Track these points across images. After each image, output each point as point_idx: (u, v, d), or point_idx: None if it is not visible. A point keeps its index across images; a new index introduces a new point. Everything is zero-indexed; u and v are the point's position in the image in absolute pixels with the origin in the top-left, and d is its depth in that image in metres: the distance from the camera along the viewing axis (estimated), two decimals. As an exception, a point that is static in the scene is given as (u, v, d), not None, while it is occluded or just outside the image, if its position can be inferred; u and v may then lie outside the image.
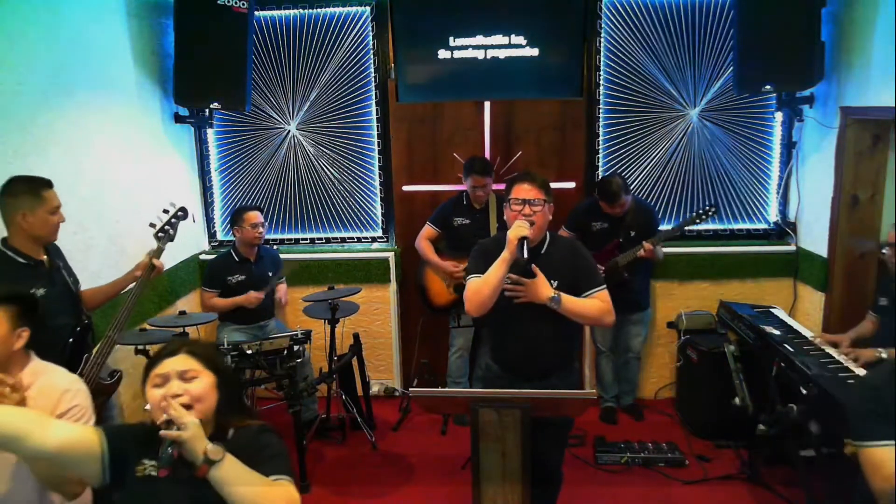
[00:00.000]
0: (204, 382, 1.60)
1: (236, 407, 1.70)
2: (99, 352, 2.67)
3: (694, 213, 3.79)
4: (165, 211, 3.11)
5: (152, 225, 3.07)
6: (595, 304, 2.46)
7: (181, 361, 1.60)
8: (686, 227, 3.83)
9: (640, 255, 3.72)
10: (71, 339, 2.61)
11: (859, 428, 1.80)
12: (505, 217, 2.55)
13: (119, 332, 2.74)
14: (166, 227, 3.07)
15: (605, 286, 2.50)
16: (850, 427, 1.85)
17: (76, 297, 2.74)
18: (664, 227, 4.09)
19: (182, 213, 3.15)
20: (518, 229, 2.34)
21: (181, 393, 1.55)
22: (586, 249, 2.61)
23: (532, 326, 2.48)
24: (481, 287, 2.38)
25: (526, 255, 2.31)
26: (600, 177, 4.25)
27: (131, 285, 2.93)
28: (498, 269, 2.35)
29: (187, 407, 1.55)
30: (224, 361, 1.71)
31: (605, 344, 4.09)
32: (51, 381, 1.99)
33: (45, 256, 2.61)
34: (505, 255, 2.34)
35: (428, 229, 4.07)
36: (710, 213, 3.74)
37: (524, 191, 2.45)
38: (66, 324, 2.63)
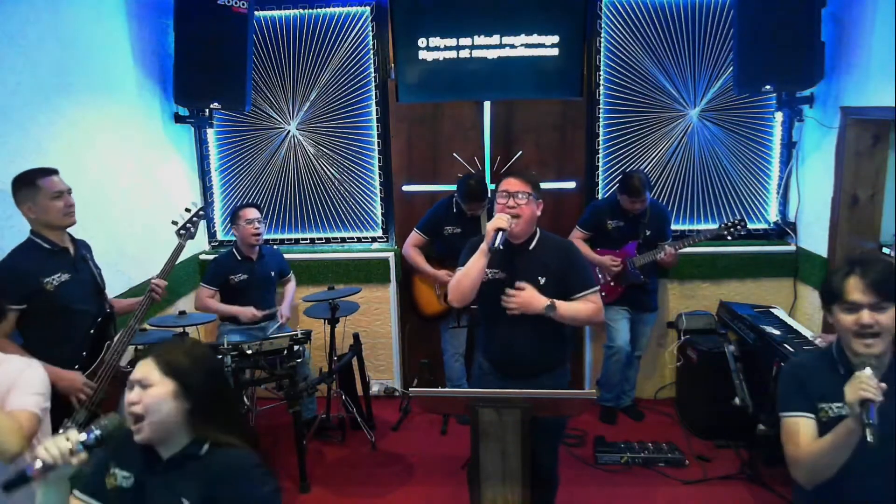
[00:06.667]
0: (158, 392, 1.56)
1: (217, 420, 1.63)
2: (120, 340, 2.76)
3: (723, 225, 3.77)
4: (187, 210, 3.17)
5: (174, 223, 3.12)
6: (588, 306, 2.50)
7: (143, 369, 1.60)
8: (712, 238, 3.80)
9: (660, 259, 3.73)
10: (92, 331, 2.70)
11: (781, 398, 1.96)
12: (495, 213, 2.54)
13: (139, 323, 2.82)
14: (188, 224, 3.13)
15: (597, 287, 2.55)
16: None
17: (100, 288, 2.82)
18: (677, 226, 4.12)
19: (202, 213, 3.23)
20: (496, 221, 2.38)
21: (136, 401, 1.55)
22: (580, 252, 2.62)
23: (521, 326, 2.47)
24: (461, 278, 2.44)
25: (498, 246, 2.34)
26: (600, 176, 4.27)
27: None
28: (477, 261, 2.40)
29: (138, 418, 1.55)
30: (196, 368, 1.63)
31: (621, 340, 3.90)
32: (8, 368, 2.02)
33: (69, 245, 2.71)
34: (483, 246, 2.39)
35: (416, 236, 3.96)
36: (738, 228, 3.72)
37: (510, 184, 2.48)
38: (87, 310, 2.72)
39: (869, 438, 1.57)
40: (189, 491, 1.57)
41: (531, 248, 2.53)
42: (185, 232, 3.11)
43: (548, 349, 2.56)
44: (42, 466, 1.42)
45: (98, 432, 1.51)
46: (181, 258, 4.01)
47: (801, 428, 1.88)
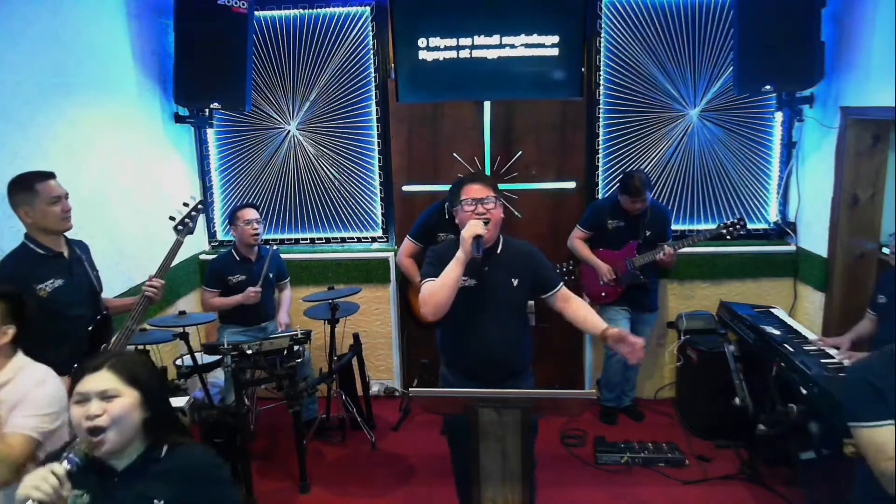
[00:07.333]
0: (125, 401, 1.55)
1: (167, 423, 1.66)
2: (117, 342, 2.74)
3: (722, 224, 3.76)
4: (185, 204, 3.13)
5: (172, 218, 3.08)
6: (579, 299, 2.59)
7: (102, 379, 1.56)
8: (711, 238, 3.80)
9: (659, 259, 3.73)
10: (90, 328, 2.69)
11: (857, 409, 1.78)
12: (457, 220, 2.53)
13: (137, 324, 2.80)
14: (186, 220, 3.09)
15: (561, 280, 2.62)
16: (846, 409, 1.84)
17: (96, 290, 2.81)
18: (677, 226, 4.11)
19: (201, 207, 3.19)
20: (472, 228, 2.34)
21: (100, 413, 1.52)
22: (538, 249, 2.62)
23: (488, 331, 2.47)
24: (437, 289, 2.38)
25: (480, 254, 2.33)
26: (600, 176, 4.27)
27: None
28: (454, 270, 2.36)
29: (101, 430, 1.51)
30: (151, 376, 1.65)
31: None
32: (26, 377, 2.03)
33: (65, 248, 2.69)
34: (460, 255, 2.35)
35: (409, 245, 3.83)
36: (737, 227, 3.71)
37: (475, 190, 2.46)
38: (83, 314, 2.70)
39: None
40: (159, 492, 1.58)
41: (499, 251, 2.53)
42: (184, 227, 3.06)
43: (516, 353, 2.56)
44: None
45: (77, 459, 1.48)
46: (181, 258, 4.05)
47: (890, 438, 1.70)
